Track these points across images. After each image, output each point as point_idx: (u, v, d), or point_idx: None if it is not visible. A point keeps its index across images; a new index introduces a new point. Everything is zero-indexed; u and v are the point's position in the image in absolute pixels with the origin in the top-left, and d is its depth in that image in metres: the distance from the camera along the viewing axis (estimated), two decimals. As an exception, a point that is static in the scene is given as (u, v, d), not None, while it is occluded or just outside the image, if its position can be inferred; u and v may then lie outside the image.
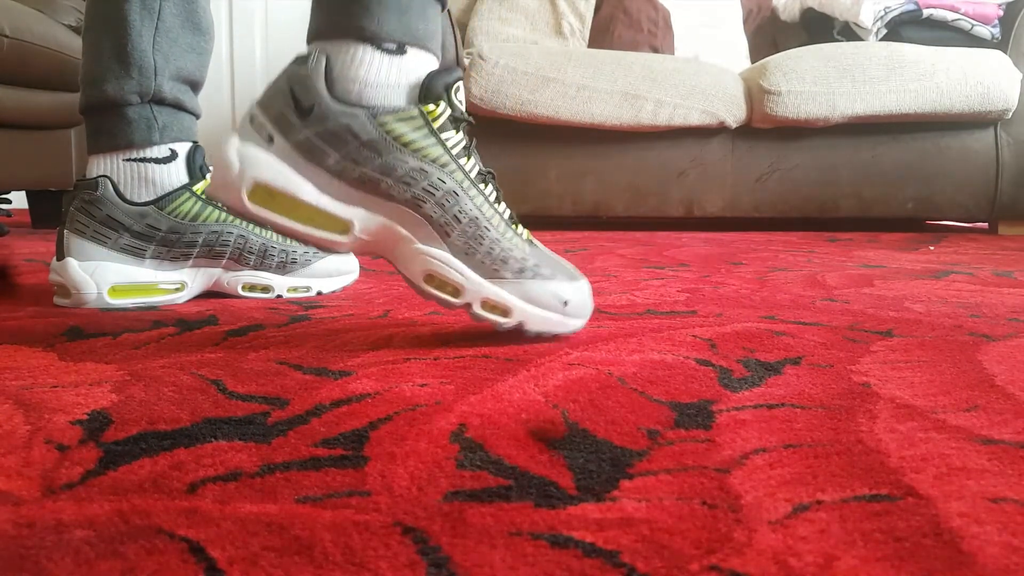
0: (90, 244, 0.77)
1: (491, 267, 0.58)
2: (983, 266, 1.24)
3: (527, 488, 0.33)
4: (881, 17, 2.19)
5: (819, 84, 1.93)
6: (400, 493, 0.33)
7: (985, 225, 2.36)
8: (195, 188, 0.80)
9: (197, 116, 0.84)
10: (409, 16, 0.57)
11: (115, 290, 0.78)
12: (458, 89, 0.59)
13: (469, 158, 0.59)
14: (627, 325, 0.69)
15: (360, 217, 0.57)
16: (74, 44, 1.70)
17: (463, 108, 0.59)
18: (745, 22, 2.54)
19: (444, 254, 0.58)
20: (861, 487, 0.33)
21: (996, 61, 1.97)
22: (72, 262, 0.77)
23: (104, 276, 0.77)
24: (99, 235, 0.77)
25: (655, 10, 2.29)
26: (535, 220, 2.15)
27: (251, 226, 0.84)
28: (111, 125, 0.79)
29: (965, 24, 2.13)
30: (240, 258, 0.83)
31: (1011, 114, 1.99)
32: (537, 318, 0.60)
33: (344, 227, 0.57)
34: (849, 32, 2.28)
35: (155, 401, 0.45)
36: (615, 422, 0.42)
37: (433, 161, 0.57)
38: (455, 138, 0.58)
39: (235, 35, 2.75)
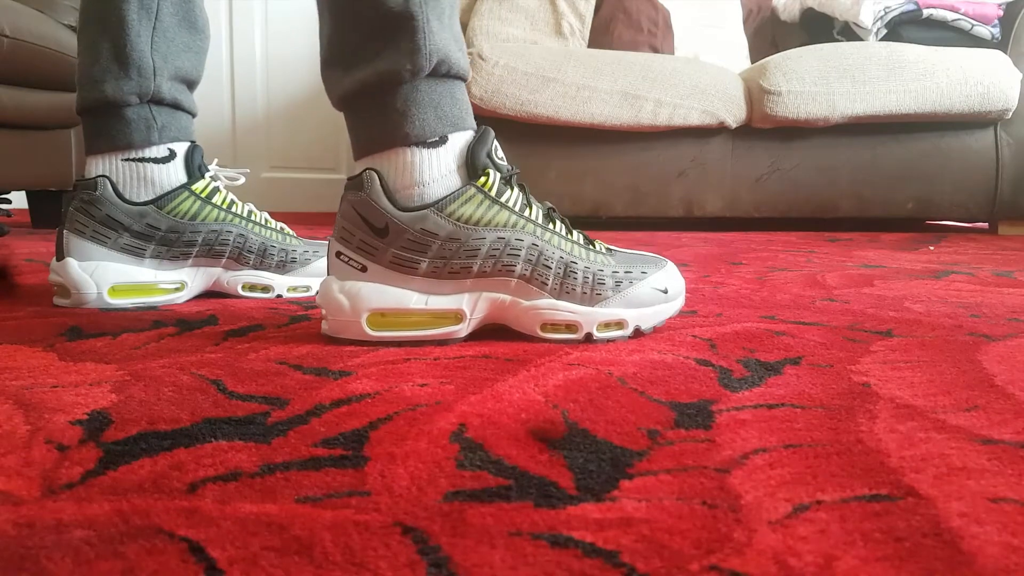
0: (90, 244, 0.77)
1: (594, 293, 0.62)
2: (983, 266, 1.24)
3: (527, 488, 0.33)
4: (881, 17, 2.19)
5: (819, 84, 1.93)
6: (400, 493, 0.33)
7: (985, 225, 2.36)
8: (194, 187, 0.80)
9: (194, 115, 0.84)
10: (442, 107, 0.60)
11: (115, 290, 0.78)
12: (496, 148, 0.61)
13: (531, 206, 0.62)
14: (627, 325, 0.69)
15: (467, 302, 0.61)
16: (74, 44, 1.69)
17: (506, 164, 0.62)
18: (745, 22, 2.54)
19: (549, 301, 0.61)
20: (861, 487, 0.33)
21: (996, 61, 1.97)
22: (72, 262, 0.77)
23: (104, 276, 0.77)
24: (99, 235, 0.77)
25: (655, 10, 2.29)
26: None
27: (251, 225, 0.84)
28: (110, 126, 0.79)
29: (965, 24, 2.13)
30: (240, 257, 0.83)
31: (1011, 114, 1.99)
32: (648, 316, 0.64)
33: (457, 317, 0.61)
34: (849, 32, 2.28)
35: (155, 401, 0.45)
36: (615, 422, 0.42)
37: (505, 226, 0.59)
38: (513, 195, 0.61)
39: (235, 35, 2.75)
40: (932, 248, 1.60)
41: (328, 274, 0.62)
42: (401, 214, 0.58)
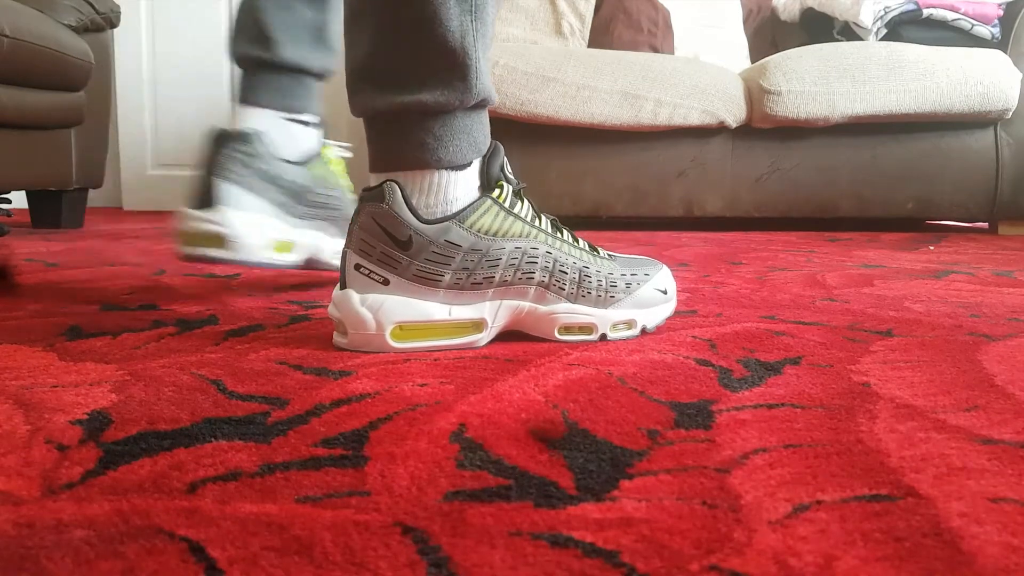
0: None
1: (607, 296, 0.63)
2: (983, 266, 1.24)
3: (527, 488, 0.33)
4: (881, 17, 2.19)
5: (819, 84, 1.93)
6: (400, 493, 0.33)
7: (985, 225, 2.36)
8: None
9: None
10: (474, 133, 0.61)
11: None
12: (506, 163, 0.62)
13: (540, 217, 0.63)
14: (627, 325, 0.69)
15: (488, 311, 0.61)
16: (74, 44, 1.69)
17: (514, 178, 0.63)
18: (745, 22, 2.54)
19: (566, 305, 0.63)
20: (861, 487, 0.33)
21: (996, 61, 1.97)
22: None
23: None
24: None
25: (655, 10, 2.29)
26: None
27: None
28: (292, 88, 0.86)
29: (965, 24, 2.13)
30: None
31: (1011, 114, 1.99)
32: (652, 316, 0.66)
33: (479, 326, 0.61)
34: (849, 32, 2.28)
35: (155, 401, 0.45)
36: (615, 422, 0.42)
37: (520, 236, 0.60)
38: (524, 207, 0.62)
39: (235, 35, 2.74)
40: (932, 248, 1.60)
41: (344, 287, 0.59)
42: (425, 227, 0.58)
